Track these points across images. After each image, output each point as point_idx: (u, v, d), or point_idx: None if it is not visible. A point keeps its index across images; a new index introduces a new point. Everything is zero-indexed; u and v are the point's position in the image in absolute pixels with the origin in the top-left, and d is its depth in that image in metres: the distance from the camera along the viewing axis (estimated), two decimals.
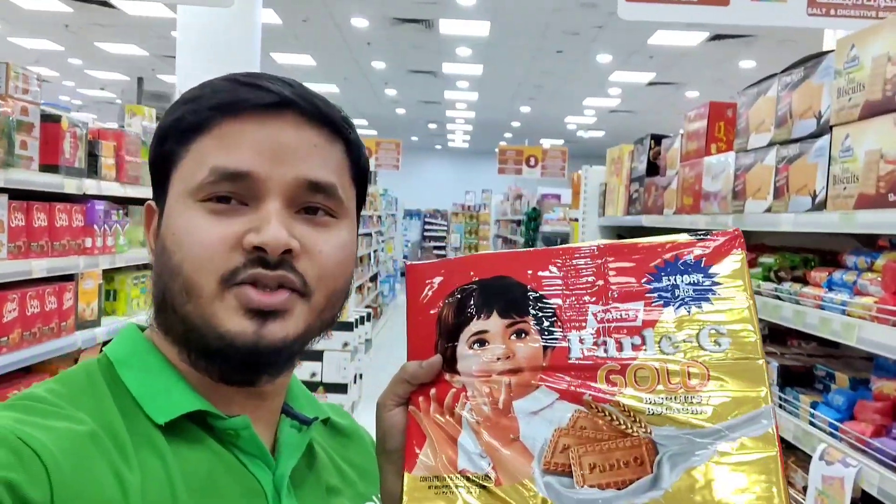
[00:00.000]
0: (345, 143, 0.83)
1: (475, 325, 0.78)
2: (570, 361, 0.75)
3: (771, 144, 2.42)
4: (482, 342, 0.77)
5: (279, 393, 0.85)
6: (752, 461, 0.70)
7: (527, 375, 0.75)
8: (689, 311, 0.75)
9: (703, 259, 0.78)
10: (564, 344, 0.76)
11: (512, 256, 0.81)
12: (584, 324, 0.76)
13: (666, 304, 0.76)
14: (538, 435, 0.73)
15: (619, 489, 0.70)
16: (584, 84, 15.14)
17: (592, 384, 0.74)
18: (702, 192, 3.00)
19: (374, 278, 12.08)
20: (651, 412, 0.72)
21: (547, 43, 11.99)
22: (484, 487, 0.73)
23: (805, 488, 2.08)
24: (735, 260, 0.77)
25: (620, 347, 0.75)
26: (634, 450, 0.71)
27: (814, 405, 2.13)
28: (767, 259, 2.54)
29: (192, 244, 0.76)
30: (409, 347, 0.80)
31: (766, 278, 2.47)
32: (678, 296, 0.76)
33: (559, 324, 0.77)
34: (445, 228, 22.83)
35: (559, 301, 0.78)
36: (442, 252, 22.36)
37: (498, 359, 0.77)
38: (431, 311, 0.80)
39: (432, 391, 0.77)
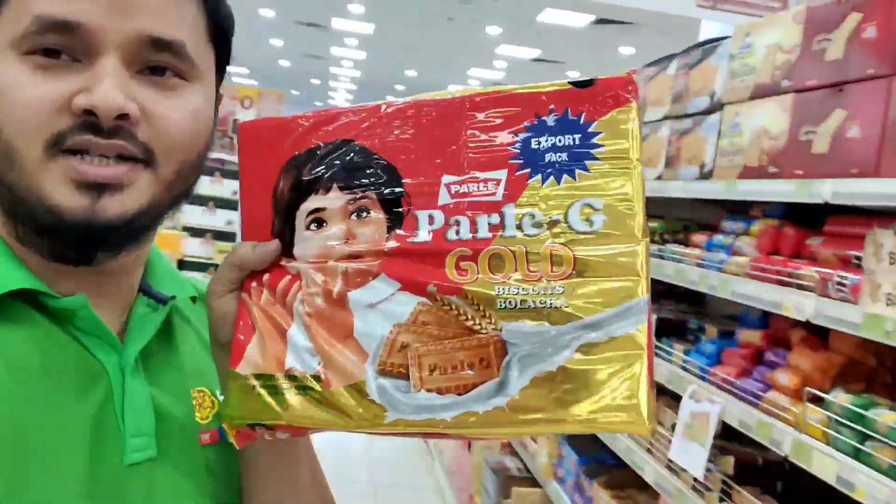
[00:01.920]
0: None
1: (312, 202, 0.68)
2: (415, 245, 0.65)
3: (665, 118, 2.65)
4: (319, 222, 0.68)
5: (131, 270, 0.78)
6: (614, 365, 0.60)
7: (367, 262, 0.66)
8: (559, 182, 0.63)
9: (583, 114, 0.64)
10: (411, 224, 0.65)
11: (359, 113, 0.69)
12: (435, 199, 0.65)
13: (533, 173, 0.64)
14: (374, 331, 0.64)
15: (459, 395, 0.62)
16: (472, 54, 15.36)
17: (439, 272, 0.64)
18: None
19: None
20: (503, 306, 0.62)
21: (439, 8, 12.07)
22: (311, 389, 0.66)
23: (674, 426, 2.34)
24: (623, 114, 0.64)
25: (475, 228, 0.64)
26: (481, 349, 0.62)
27: (686, 352, 2.39)
28: (653, 224, 2.79)
29: (12, 103, 0.66)
30: (242, 224, 0.71)
31: (652, 240, 2.72)
32: (549, 162, 0.64)
33: (407, 199, 0.66)
34: None
35: (409, 171, 0.66)
36: None
37: (336, 242, 0.67)
38: (268, 184, 0.70)
39: (266, 277, 0.69)
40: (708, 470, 2.12)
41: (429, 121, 0.67)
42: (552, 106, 0.65)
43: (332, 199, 0.67)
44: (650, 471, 2.46)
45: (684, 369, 2.37)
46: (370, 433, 0.66)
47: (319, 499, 0.85)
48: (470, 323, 0.63)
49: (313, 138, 0.69)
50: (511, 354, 0.62)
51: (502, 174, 0.64)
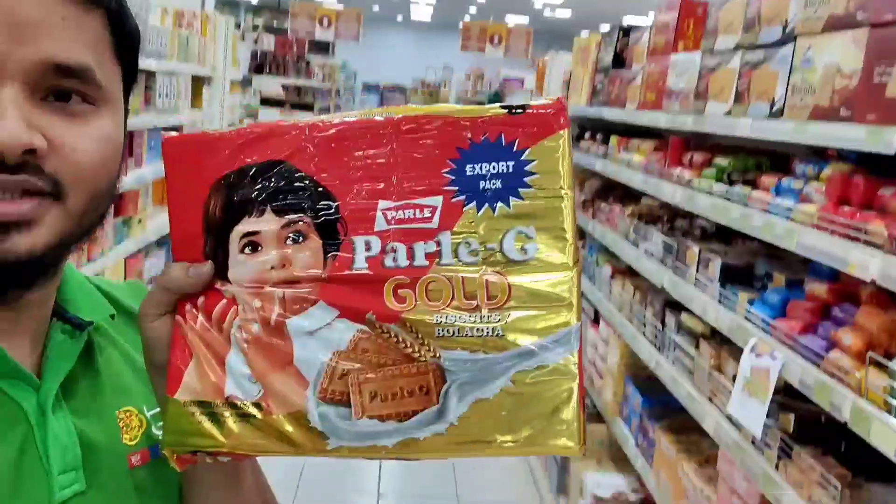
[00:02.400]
0: (105, 10, 0.69)
1: (246, 224, 0.67)
2: (353, 272, 0.65)
3: (737, 48, 2.46)
4: (254, 246, 0.67)
5: (43, 301, 0.75)
6: (547, 392, 0.63)
7: (304, 288, 0.66)
8: (494, 210, 0.64)
9: (517, 141, 0.65)
10: (348, 251, 0.65)
11: (291, 132, 0.67)
12: (371, 225, 0.65)
13: (469, 201, 0.65)
14: (314, 358, 0.65)
15: (400, 421, 0.64)
16: None
17: (377, 300, 0.64)
18: (665, 88, 3.05)
19: None
20: (441, 334, 0.63)
21: None
22: (252, 416, 0.66)
23: (734, 377, 2.25)
24: (554, 142, 0.65)
25: (412, 255, 0.64)
26: (420, 377, 0.64)
27: (751, 302, 2.27)
28: (722, 161, 2.63)
29: None
30: (173, 245, 0.69)
31: (719, 179, 2.56)
32: (483, 189, 0.65)
33: (343, 225, 0.66)
34: (404, 104, 22.60)
35: (345, 195, 0.66)
36: None
37: (272, 267, 0.66)
38: (197, 201, 0.68)
39: (200, 300, 0.68)
40: (767, 426, 2.04)
41: (363, 144, 0.66)
42: (486, 132, 0.65)
43: (266, 223, 0.67)
44: (710, 421, 2.39)
45: (747, 319, 2.26)
46: (314, 457, 0.67)
47: (261, 500, 0.84)
48: (409, 350, 0.64)
49: (244, 157, 0.67)
50: (450, 382, 0.64)
51: (438, 200, 0.65)
